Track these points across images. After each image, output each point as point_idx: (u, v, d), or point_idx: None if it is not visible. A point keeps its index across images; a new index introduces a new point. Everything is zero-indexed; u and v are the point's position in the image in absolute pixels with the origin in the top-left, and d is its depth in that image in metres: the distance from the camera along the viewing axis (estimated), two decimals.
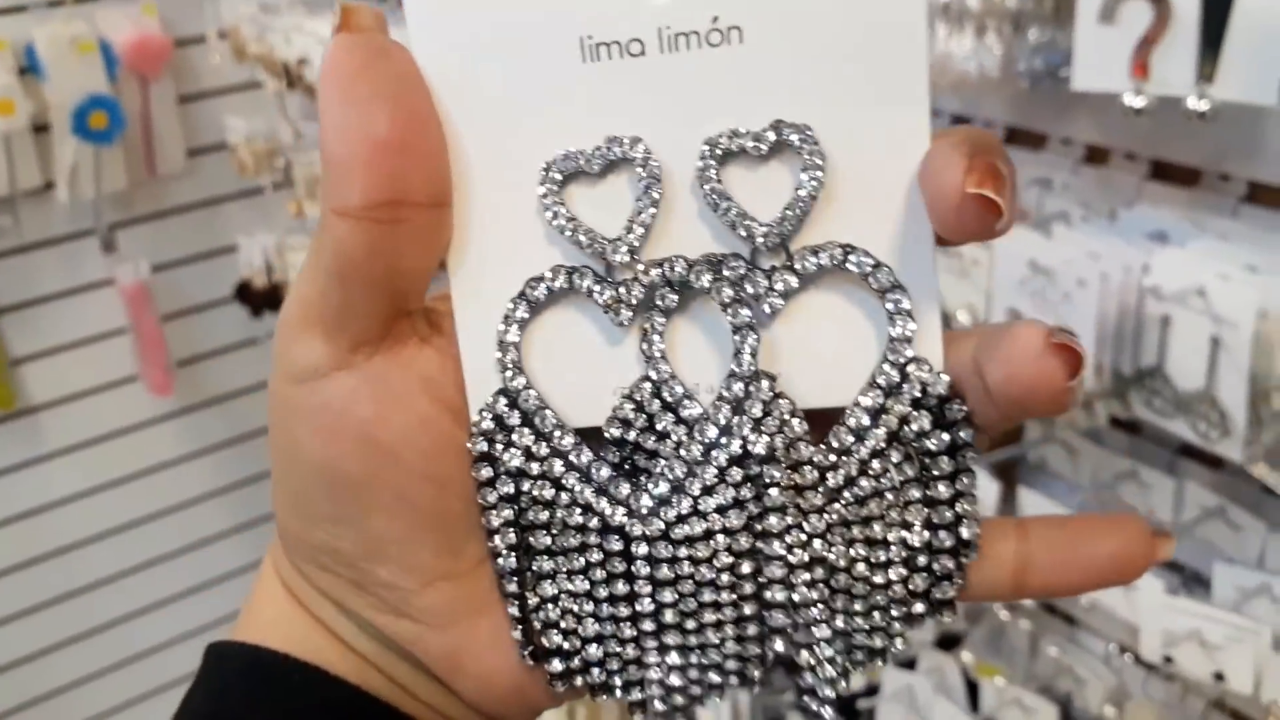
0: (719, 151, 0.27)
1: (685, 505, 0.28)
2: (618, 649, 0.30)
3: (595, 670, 0.30)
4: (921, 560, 0.29)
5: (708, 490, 0.28)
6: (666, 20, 0.25)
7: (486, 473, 0.29)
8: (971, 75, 0.76)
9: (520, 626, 0.30)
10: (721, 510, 0.28)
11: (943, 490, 0.28)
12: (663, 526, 0.28)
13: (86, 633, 2.17)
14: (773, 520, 0.28)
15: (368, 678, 0.31)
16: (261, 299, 1.97)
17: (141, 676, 2.26)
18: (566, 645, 0.30)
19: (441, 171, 0.27)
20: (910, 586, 0.29)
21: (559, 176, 0.27)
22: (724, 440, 0.28)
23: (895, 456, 0.28)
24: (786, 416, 0.28)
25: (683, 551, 0.28)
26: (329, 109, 0.25)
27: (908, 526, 0.29)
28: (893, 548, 0.29)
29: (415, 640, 0.30)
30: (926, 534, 0.28)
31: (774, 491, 0.27)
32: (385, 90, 0.25)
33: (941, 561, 0.29)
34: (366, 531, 0.29)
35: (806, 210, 0.26)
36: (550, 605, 0.30)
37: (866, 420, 0.28)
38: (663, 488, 0.28)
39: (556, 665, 0.30)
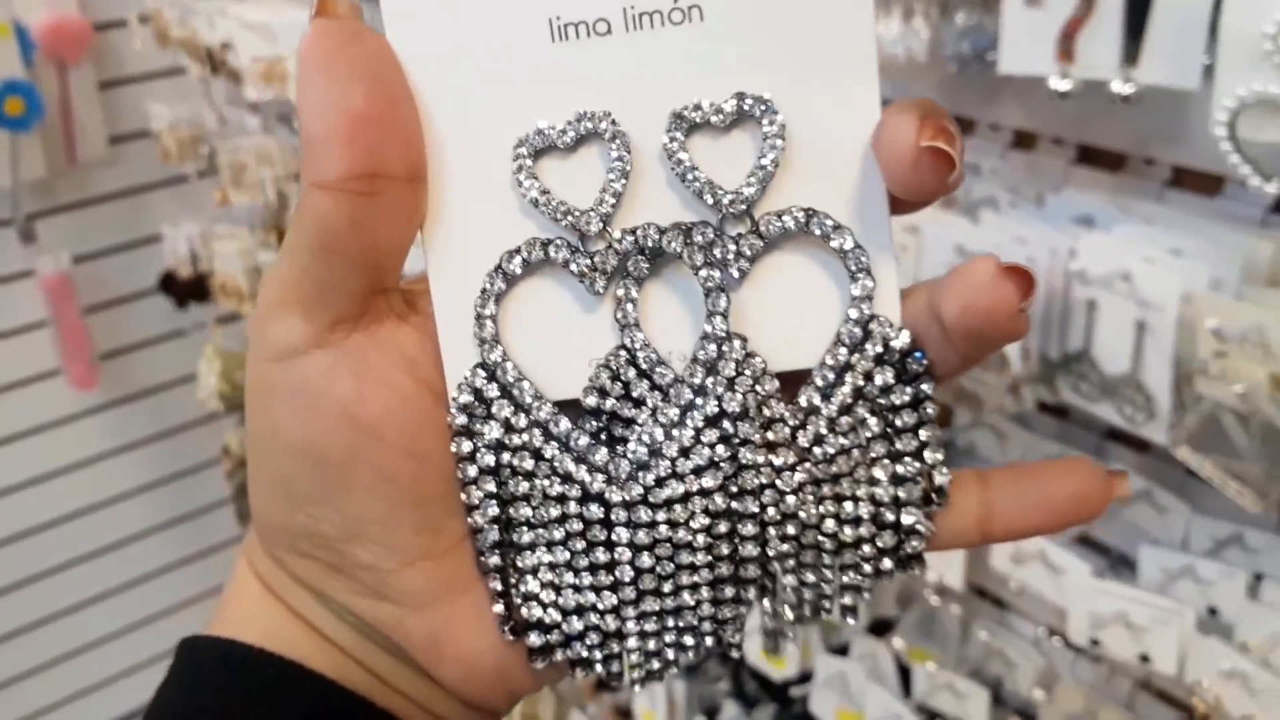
0: (684, 124, 0.28)
1: (663, 468, 0.29)
2: (597, 621, 0.30)
3: (575, 644, 0.30)
4: (889, 516, 0.30)
5: (684, 452, 0.29)
6: (631, 0, 0.27)
7: (466, 446, 0.29)
8: (899, 59, 0.75)
9: (502, 601, 0.30)
10: (698, 471, 0.29)
11: (908, 443, 0.29)
12: (641, 491, 0.29)
13: (12, 632, 2.12)
14: (747, 477, 0.29)
15: (345, 671, 0.31)
16: (187, 289, 1.93)
17: (71, 675, 2.21)
18: (546, 618, 0.30)
19: (416, 147, 0.27)
20: (879, 543, 0.30)
21: (531, 151, 0.28)
22: (699, 401, 0.28)
23: (861, 412, 0.29)
24: (759, 375, 0.29)
25: (661, 515, 0.29)
26: (307, 88, 0.26)
27: (874, 482, 0.29)
28: (861, 504, 0.30)
29: (396, 624, 0.30)
30: (893, 489, 0.29)
31: (746, 450, 0.28)
32: (361, 70, 0.26)
33: (908, 515, 0.30)
34: (347, 511, 0.29)
35: (769, 177, 0.28)
36: (530, 577, 0.30)
37: (833, 378, 0.29)
38: (640, 452, 0.29)
39: (535, 640, 0.30)
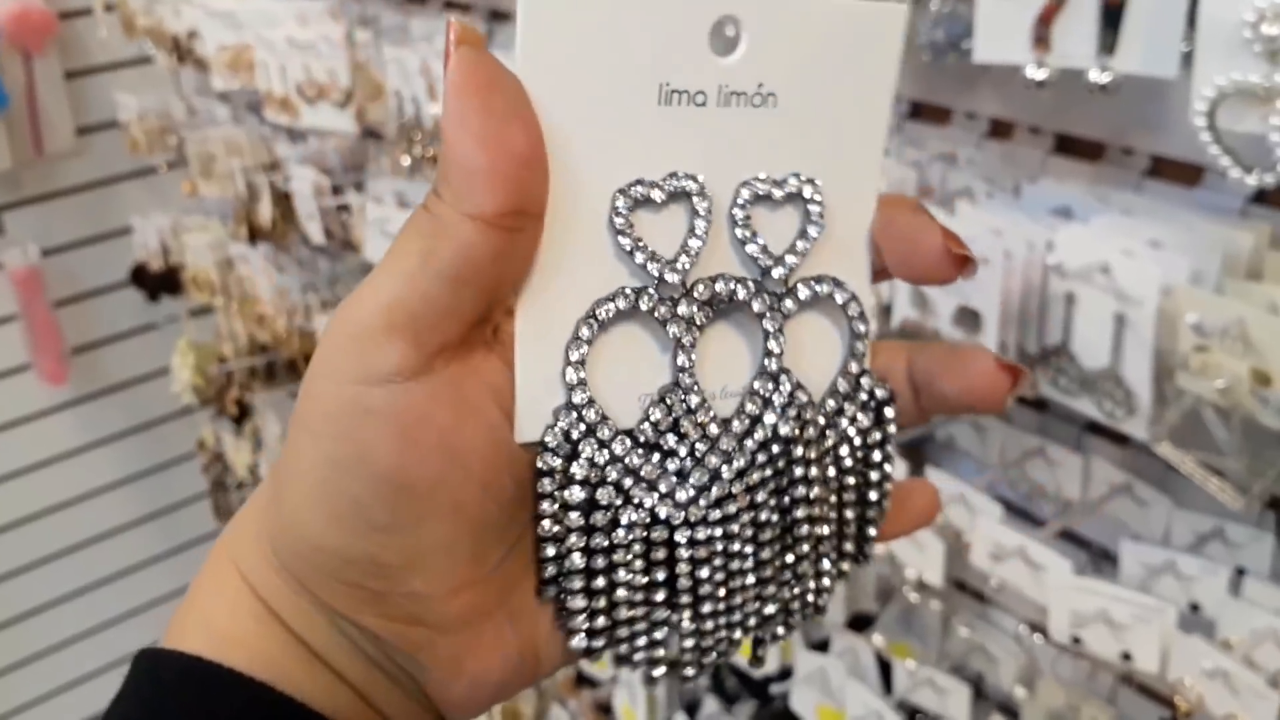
0: (749, 194, 0.32)
1: (723, 488, 0.32)
2: (646, 627, 0.33)
3: (640, 653, 0.34)
4: (852, 530, 0.36)
5: (740, 474, 0.32)
6: (726, 80, 0.31)
7: (553, 484, 0.31)
8: None
9: (586, 634, 0.32)
10: (751, 489, 0.32)
11: (874, 475, 0.36)
12: (702, 513, 0.32)
13: None
14: (800, 491, 0.33)
15: (339, 701, 0.31)
16: (158, 282, 1.91)
17: (39, 678, 2.19)
18: (603, 625, 0.33)
19: (547, 189, 0.29)
20: (843, 548, 0.36)
21: (629, 204, 0.31)
22: (755, 429, 0.33)
23: (843, 450, 0.35)
24: (804, 406, 0.33)
25: (718, 531, 0.32)
26: (466, 117, 0.26)
27: (846, 505, 0.35)
28: (832, 524, 0.35)
29: (423, 646, 0.31)
30: (860, 509, 0.36)
31: (799, 469, 0.33)
32: (516, 107, 0.27)
33: (867, 526, 0.36)
34: (416, 540, 0.29)
35: (808, 250, 0.33)
36: (595, 596, 0.32)
37: (823, 420, 0.34)
38: (703, 478, 0.32)
39: (625, 649, 0.34)
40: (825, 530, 0.34)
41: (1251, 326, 0.62)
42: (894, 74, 0.33)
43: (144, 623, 2.28)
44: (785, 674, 1.09)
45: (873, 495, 0.36)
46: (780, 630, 0.36)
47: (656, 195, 0.31)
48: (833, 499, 0.35)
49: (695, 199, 0.31)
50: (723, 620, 0.34)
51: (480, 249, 0.27)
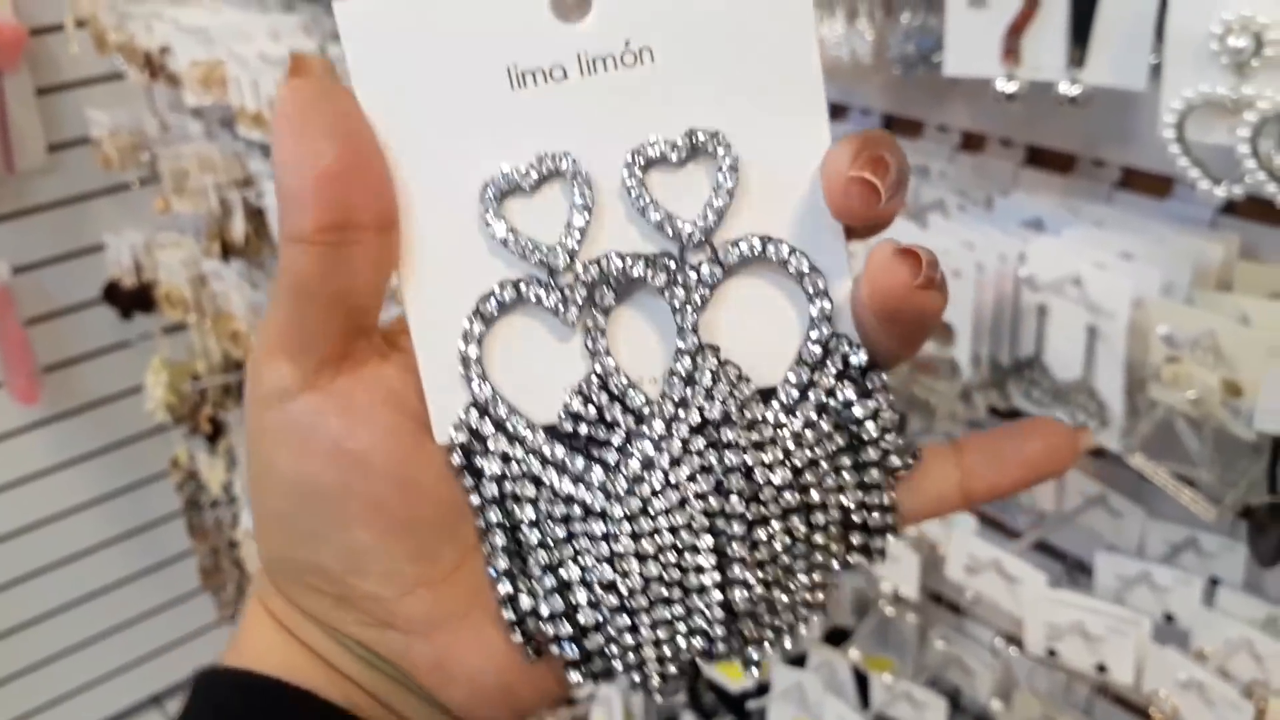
0: (641, 159, 0.29)
1: (658, 479, 0.30)
2: (614, 632, 0.31)
3: (598, 659, 0.32)
4: (855, 519, 0.32)
5: (675, 462, 0.30)
6: (585, 46, 0.28)
7: (469, 482, 0.31)
8: (844, 61, 0.74)
9: (518, 627, 0.31)
10: (692, 478, 0.30)
11: (871, 454, 0.31)
12: (640, 503, 0.30)
13: None
14: (733, 479, 0.30)
15: (357, 701, 0.33)
16: (131, 299, 1.89)
17: (14, 699, 2.17)
18: (565, 634, 0.31)
19: (385, 197, 0.29)
20: (850, 541, 0.32)
21: (497, 193, 0.29)
22: (681, 413, 0.30)
23: (825, 426, 0.31)
24: (735, 381, 0.30)
25: (663, 522, 0.30)
26: (282, 146, 0.27)
27: (840, 490, 0.31)
28: (831, 510, 0.31)
29: (403, 652, 0.31)
30: (860, 494, 0.31)
31: (731, 453, 0.30)
32: (330, 126, 0.27)
33: (874, 517, 0.32)
34: (346, 543, 0.30)
35: (725, 208, 0.29)
36: (550, 598, 0.31)
37: (796, 395, 0.31)
38: (634, 467, 0.30)
39: (571, 651, 0.32)
40: (801, 522, 0.31)
41: (1222, 337, 0.62)
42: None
43: (118, 643, 2.25)
44: (762, 689, 1.08)
45: (869, 479, 0.31)
46: (765, 641, 0.32)
47: (524, 181, 0.29)
48: (828, 482, 0.31)
49: (571, 177, 0.29)
50: (681, 626, 0.31)
51: (307, 268, 0.28)
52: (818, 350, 0.30)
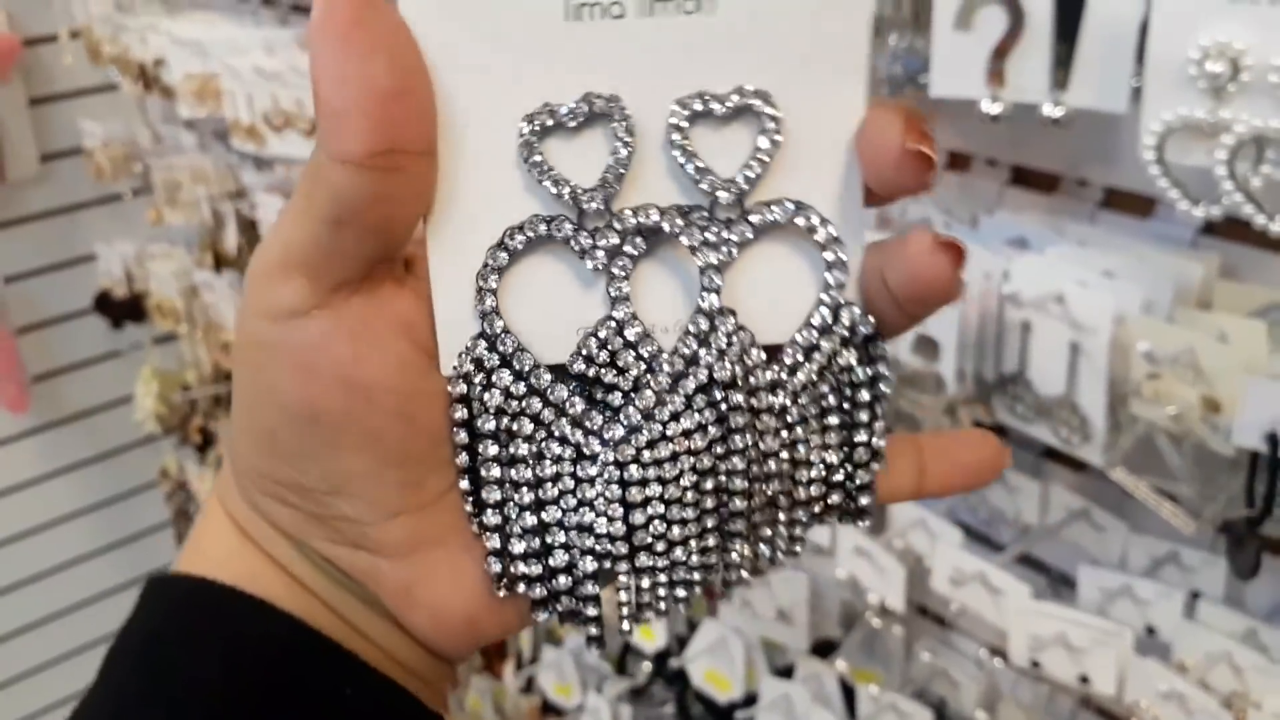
0: (687, 112, 0.29)
1: (654, 430, 0.30)
2: (585, 574, 0.31)
3: (564, 598, 0.32)
4: (838, 477, 0.33)
5: (675, 416, 0.30)
6: None
7: (464, 413, 0.30)
8: None
9: (498, 559, 0.31)
10: (688, 433, 0.30)
11: (863, 416, 0.32)
12: (634, 451, 0.30)
13: None
14: (735, 439, 0.30)
15: (315, 614, 0.32)
16: (123, 309, 1.90)
17: (6, 707, 2.16)
18: (536, 573, 0.31)
19: (431, 123, 0.28)
20: (829, 500, 0.33)
21: (538, 128, 0.29)
22: (691, 370, 0.30)
23: (824, 388, 0.32)
24: (746, 347, 0.30)
25: (652, 473, 0.30)
26: (326, 59, 0.25)
27: (828, 448, 0.32)
28: (815, 467, 0.32)
29: (371, 572, 0.31)
30: (845, 451, 0.32)
31: (736, 415, 0.30)
32: (381, 42, 0.26)
33: (859, 475, 0.32)
34: (334, 467, 0.29)
35: (764, 169, 0.29)
36: (528, 536, 0.31)
37: (801, 356, 0.31)
38: (634, 416, 0.30)
39: (538, 591, 0.31)
40: (781, 485, 0.32)
41: (1202, 355, 0.63)
42: None
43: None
44: (750, 700, 1.09)
45: (860, 436, 0.32)
46: (736, 575, 0.33)
47: (568, 119, 0.29)
48: (813, 441, 0.32)
49: (615, 121, 0.29)
50: (662, 577, 0.32)
51: (352, 192, 0.26)
52: (828, 315, 0.31)
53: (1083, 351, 0.69)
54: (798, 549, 0.34)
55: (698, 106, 0.29)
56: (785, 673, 1.07)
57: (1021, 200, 0.81)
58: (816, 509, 0.33)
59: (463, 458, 0.31)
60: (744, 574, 0.33)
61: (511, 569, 0.31)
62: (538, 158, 0.29)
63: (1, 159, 1.83)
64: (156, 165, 1.65)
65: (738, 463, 0.31)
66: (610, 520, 0.31)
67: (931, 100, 0.70)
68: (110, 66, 1.66)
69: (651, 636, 1.18)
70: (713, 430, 0.30)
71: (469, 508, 0.31)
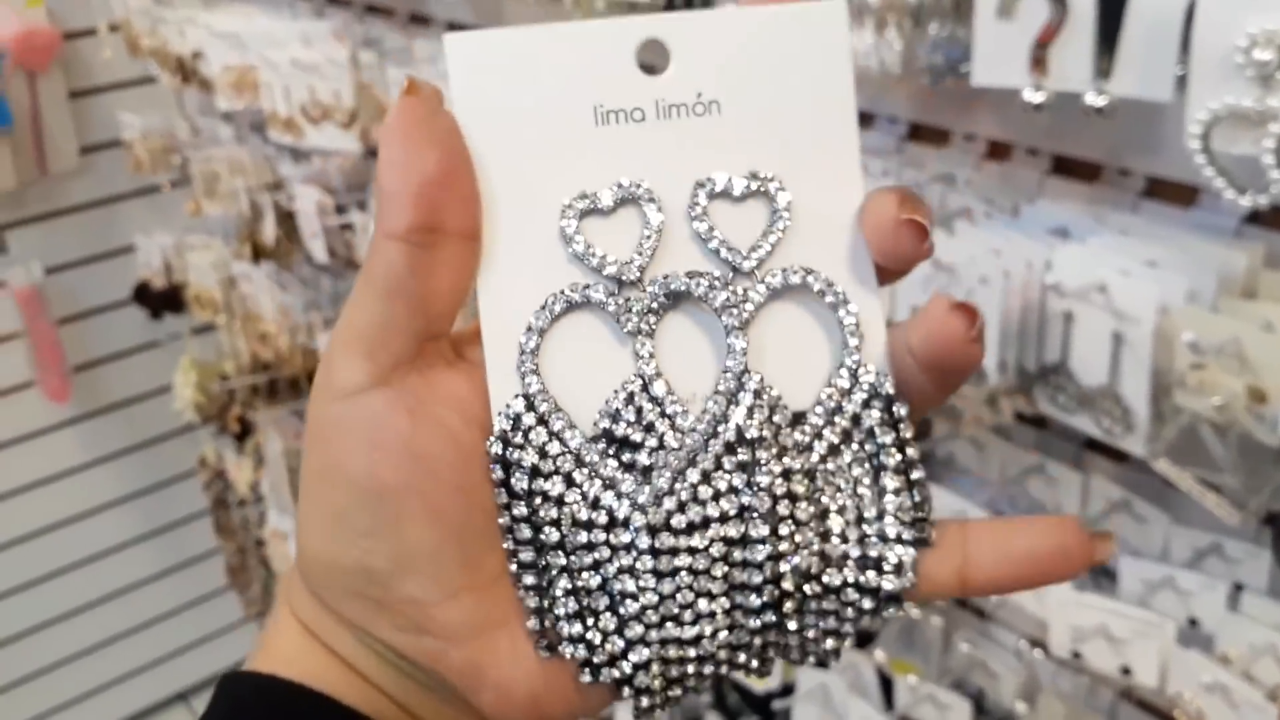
0: (706, 191, 0.32)
1: (684, 493, 0.31)
2: (625, 645, 0.32)
3: (623, 664, 0.32)
4: (873, 554, 0.31)
5: (705, 478, 0.31)
6: (662, 94, 0.32)
7: (501, 473, 0.32)
8: (873, 71, 0.75)
9: (535, 617, 0.32)
10: (717, 496, 0.31)
11: (893, 482, 0.32)
12: (665, 515, 0.31)
13: None
14: (762, 500, 0.31)
15: (380, 708, 0.33)
16: (161, 300, 1.92)
17: (42, 695, 2.19)
18: (587, 636, 0.32)
19: (473, 209, 0.31)
20: (863, 582, 0.31)
21: (577, 212, 0.32)
22: (719, 429, 0.31)
23: (847, 456, 0.32)
24: (774, 405, 0.32)
25: (682, 541, 0.31)
26: (388, 150, 0.30)
27: (862, 521, 0.32)
28: (850, 544, 0.31)
29: (438, 656, 0.32)
30: (879, 526, 0.32)
31: (762, 475, 0.31)
32: (435, 138, 0.30)
33: (893, 553, 0.31)
34: (401, 544, 0.31)
35: (777, 244, 0.32)
36: (568, 599, 0.32)
37: (822, 421, 0.32)
38: (664, 478, 0.31)
39: (581, 652, 0.32)
40: (812, 560, 0.31)
41: (1247, 345, 0.63)
42: (846, 67, 0.33)
43: (146, 639, 2.28)
44: (787, 690, 1.09)
45: (889, 508, 0.31)
46: (756, 664, 0.32)
47: (604, 202, 0.32)
48: (848, 513, 0.32)
49: (644, 203, 0.32)
50: (691, 651, 0.31)
51: (398, 264, 0.30)
52: (847, 378, 0.32)
53: (1126, 341, 0.69)
54: (831, 644, 0.32)
55: (716, 186, 0.32)
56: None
57: (1063, 190, 0.80)
58: (850, 595, 0.31)
59: (504, 519, 0.32)
60: (771, 659, 0.32)
61: (554, 632, 0.32)
62: (578, 236, 0.32)
63: (42, 152, 1.85)
64: (195, 157, 1.66)
65: (762, 528, 0.31)
66: (642, 590, 0.31)
67: (973, 89, 0.70)
68: (149, 59, 1.68)
69: None
70: (745, 495, 0.31)
71: (511, 568, 0.32)
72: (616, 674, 0.32)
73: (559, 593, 0.32)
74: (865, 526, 0.31)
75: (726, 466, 0.31)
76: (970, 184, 0.84)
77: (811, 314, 0.33)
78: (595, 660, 0.32)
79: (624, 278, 0.32)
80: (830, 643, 0.32)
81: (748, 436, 0.31)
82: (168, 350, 2.06)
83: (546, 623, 0.32)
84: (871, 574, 0.31)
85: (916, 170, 0.86)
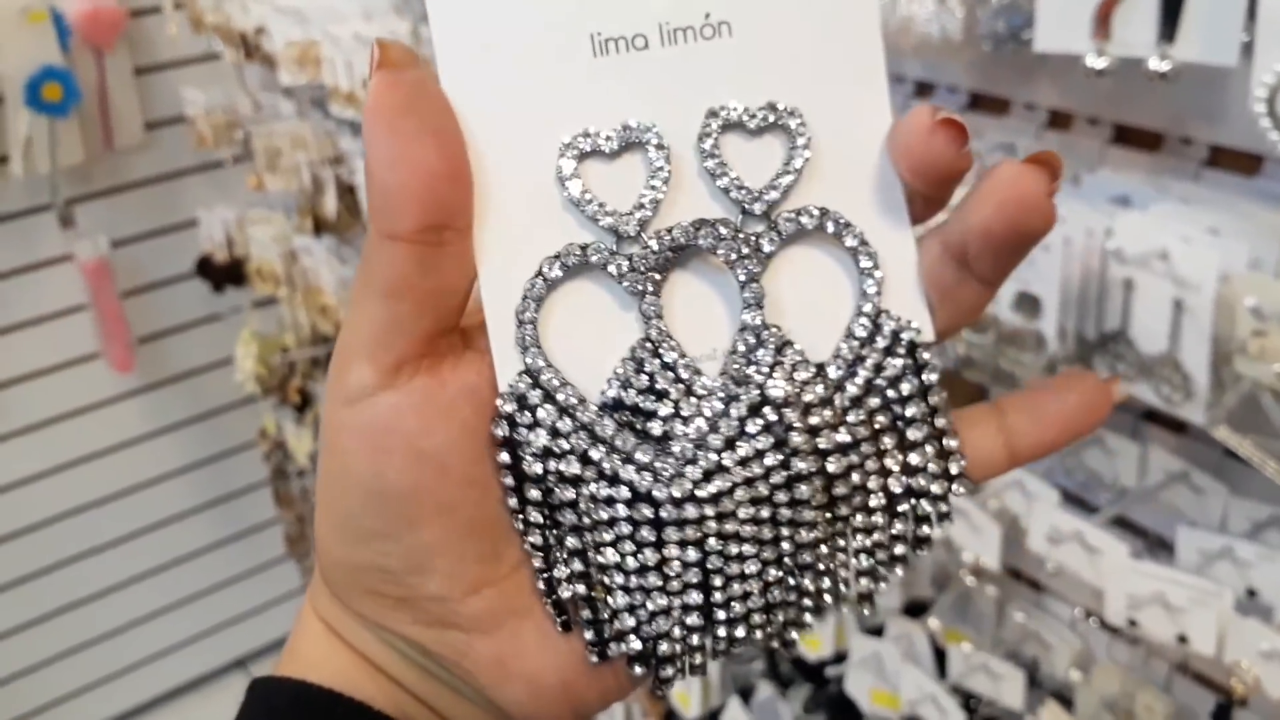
0: (719, 122, 0.29)
1: (709, 461, 0.29)
2: (647, 616, 0.30)
3: (631, 639, 0.30)
4: (902, 506, 0.31)
5: (730, 443, 0.29)
6: (666, 17, 0.29)
7: (508, 457, 0.29)
8: (934, 38, 0.75)
9: (552, 599, 0.31)
10: (744, 462, 0.29)
11: (918, 432, 0.30)
12: (690, 487, 0.29)
13: (49, 614, 2.15)
14: (799, 464, 0.29)
15: (406, 709, 0.33)
16: (223, 274, 1.95)
17: (105, 658, 2.25)
18: (601, 616, 0.30)
19: (472, 196, 0.29)
20: (894, 530, 0.31)
21: (576, 154, 0.29)
22: (740, 391, 0.29)
23: (872, 403, 0.30)
24: (796, 362, 0.29)
25: (709, 510, 0.29)
26: (378, 141, 0.27)
27: (887, 473, 0.30)
28: (875, 495, 0.30)
29: (463, 650, 0.31)
30: (905, 480, 0.30)
31: (795, 434, 0.29)
32: (430, 124, 0.27)
33: (922, 504, 0.31)
34: (414, 544, 0.30)
35: (795, 181, 0.29)
36: (581, 581, 0.30)
37: (844, 371, 0.30)
38: (687, 448, 0.29)
39: (590, 634, 0.31)
40: (850, 510, 0.30)
41: None
42: None
43: (207, 605, 2.33)
44: (840, 658, 1.10)
45: (917, 459, 0.30)
46: (796, 628, 0.32)
47: (605, 145, 0.29)
48: (870, 466, 0.30)
49: (650, 148, 0.29)
50: (722, 614, 0.30)
51: (403, 267, 0.28)
52: (868, 325, 0.30)
53: (1186, 308, 0.68)
54: (865, 585, 0.31)
55: (730, 117, 0.29)
56: (876, 631, 1.08)
57: (1124, 159, 0.80)
58: (880, 538, 0.31)
59: (513, 501, 0.30)
60: (807, 617, 0.31)
61: (573, 614, 0.31)
62: (575, 180, 0.29)
63: (109, 128, 1.89)
64: (257, 132, 1.69)
65: (803, 490, 0.29)
66: (666, 562, 0.29)
67: (1034, 57, 0.70)
68: (212, 35, 1.71)
69: None
70: (770, 457, 0.29)
71: (527, 550, 0.31)
72: (630, 649, 0.30)
73: (568, 573, 0.30)
74: (890, 480, 0.31)
75: (751, 430, 0.29)
76: (1030, 153, 0.83)
77: (831, 256, 0.30)
78: (605, 638, 0.31)
79: (624, 232, 0.29)
80: (864, 583, 0.31)
81: (771, 397, 0.29)
82: (229, 323, 2.10)
83: (561, 603, 0.31)
84: (899, 523, 0.31)
85: (976, 140, 0.86)
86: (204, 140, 1.84)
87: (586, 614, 0.31)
